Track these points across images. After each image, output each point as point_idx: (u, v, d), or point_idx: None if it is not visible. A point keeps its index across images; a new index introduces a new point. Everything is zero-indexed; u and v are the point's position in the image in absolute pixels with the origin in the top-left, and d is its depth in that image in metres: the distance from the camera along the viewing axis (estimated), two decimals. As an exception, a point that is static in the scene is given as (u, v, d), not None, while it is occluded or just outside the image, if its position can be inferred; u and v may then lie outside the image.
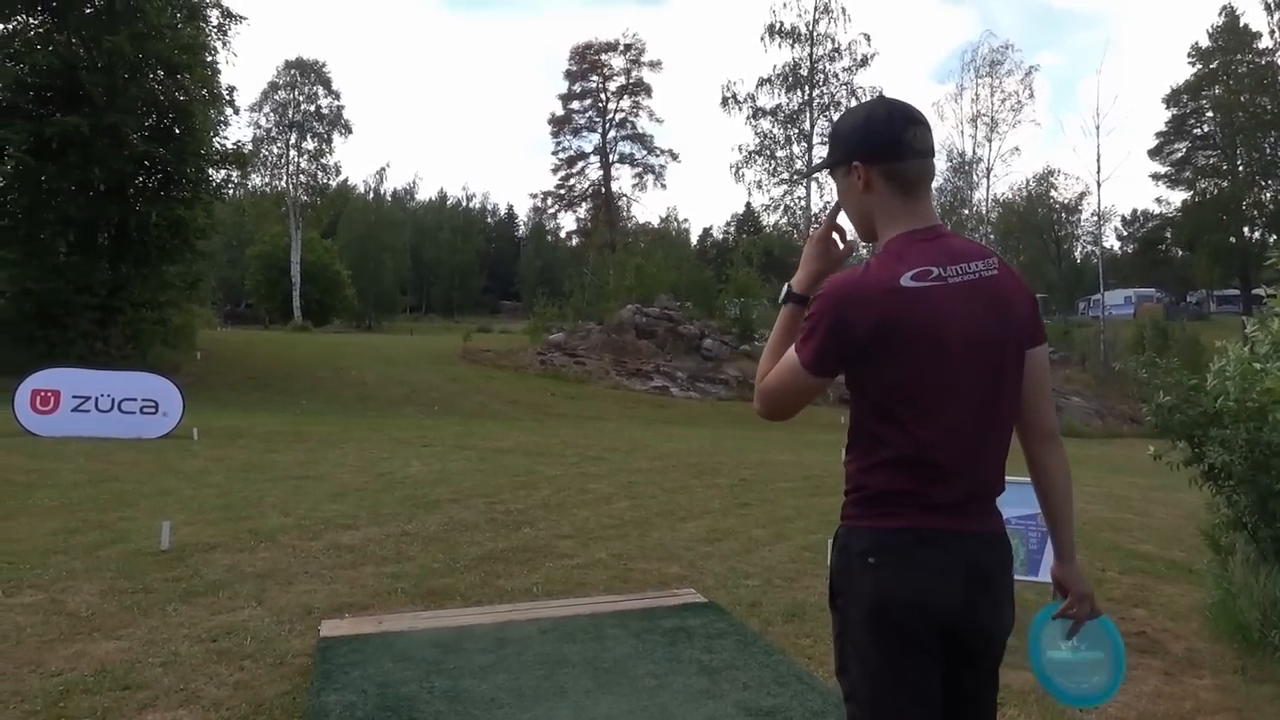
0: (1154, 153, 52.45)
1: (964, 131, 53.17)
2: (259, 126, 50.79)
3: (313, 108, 52.67)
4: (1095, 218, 51.57)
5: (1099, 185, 44.37)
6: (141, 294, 21.42)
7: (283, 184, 51.71)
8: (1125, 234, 67.50)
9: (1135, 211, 65.95)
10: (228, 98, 24.05)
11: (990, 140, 44.87)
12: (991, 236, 52.76)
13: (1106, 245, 59.06)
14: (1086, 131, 59.68)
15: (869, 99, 1.93)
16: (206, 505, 7.42)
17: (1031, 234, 58.87)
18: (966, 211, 48.68)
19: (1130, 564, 6.72)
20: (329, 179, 54.21)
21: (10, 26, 20.97)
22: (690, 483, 9.76)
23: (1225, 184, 45.83)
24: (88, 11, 20.82)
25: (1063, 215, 59.84)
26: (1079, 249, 65.53)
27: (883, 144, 1.77)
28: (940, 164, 48.56)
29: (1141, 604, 5.56)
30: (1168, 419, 5.16)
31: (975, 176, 46.61)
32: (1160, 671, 4.26)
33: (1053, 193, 57.75)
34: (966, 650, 1.76)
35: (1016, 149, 54.96)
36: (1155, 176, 52.65)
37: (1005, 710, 3.66)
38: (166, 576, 5.27)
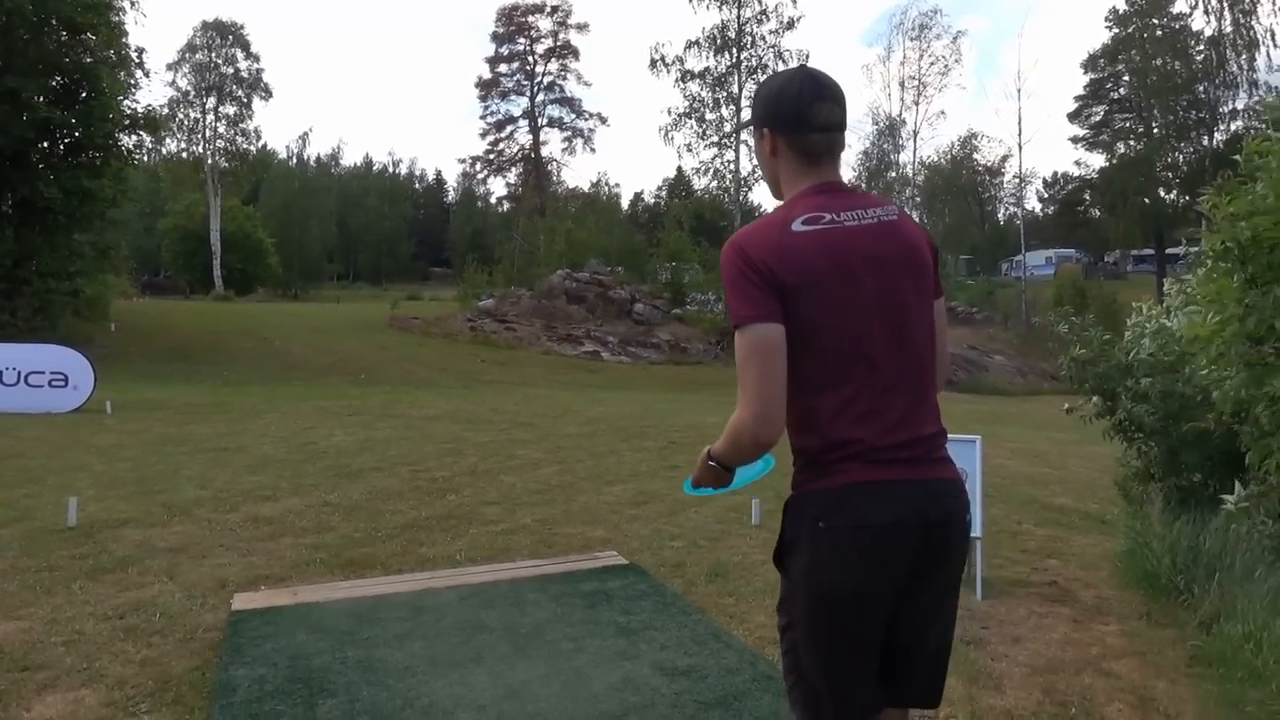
0: (1073, 116, 53.52)
1: (891, 94, 53.78)
2: (175, 88, 48.95)
3: (231, 71, 50.88)
4: (1017, 180, 52.73)
5: (1020, 148, 45.49)
6: (50, 264, 20.57)
7: (200, 149, 49.97)
8: (1046, 196, 69.06)
9: (1056, 174, 67.47)
10: (136, 60, 23.06)
11: (917, 103, 45.51)
12: (917, 199, 53.58)
13: (1028, 207, 60.52)
14: (1008, 95, 60.84)
15: (793, 67, 1.95)
16: (118, 480, 7.19)
17: (956, 196, 59.90)
18: (893, 174, 49.34)
19: (1045, 516, 6.91)
20: (249, 144, 52.55)
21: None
22: (618, 446, 9.76)
23: (1140, 146, 47.07)
24: (-18, -33, 19.74)
25: (986, 178, 60.98)
26: (1002, 211, 66.94)
27: (790, 116, 1.82)
28: (866, 127, 49.08)
29: (1055, 555, 5.72)
30: (1082, 373, 5.29)
31: (901, 139, 47.26)
32: (1069, 619, 4.39)
33: (976, 155, 58.80)
34: (917, 600, 1.78)
35: (942, 113, 55.84)
36: (1074, 140, 53.83)
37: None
38: (73, 554, 5.09)
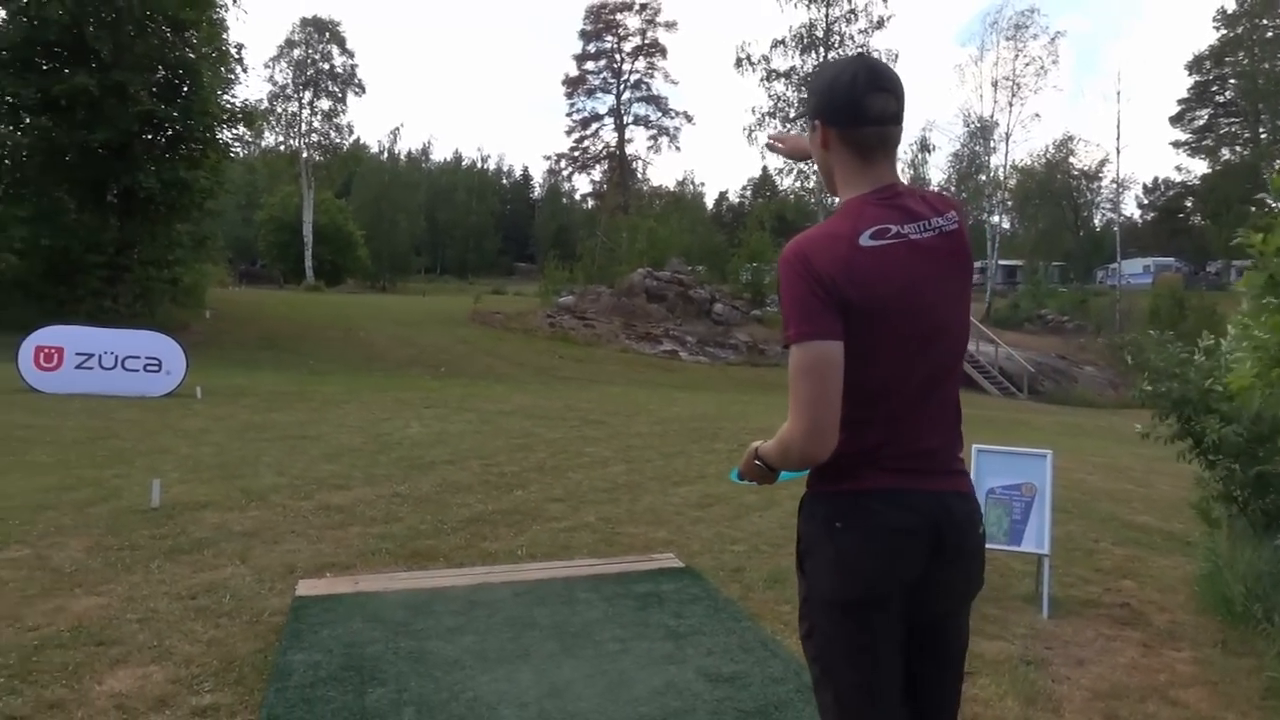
0: (1175, 120, 51.60)
1: (983, 95, 52.41)
2: (274, 83, 50.59)
3: (327, 66, 52.37)
4: (1114, 185, 50.95)
5: (1118, 152, 43.91)
6: (150, 252, 21.48)
7: (296, 143, 51.54)
8: (1145, 202, 66.67)
9: (1156, 179, 65.08)
10: (235, 55, 23.87)
11: (1011, 105, 44.20)
12: (1008, 202, 52.18)
13: (1126, 213, 58.45)
14: (1107, 97, 58.72)
15: (849, 56, 1.90)
16: (202, 464, 7.46)
17: (1049, 201, 58.15)
18: (984, 177, 48.14)
19: (1125, 535, 6.69)
20: (342, 139, 54.02)
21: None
22: (689, 447, 9.75)
23: (1247, 152, 45.02)
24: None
25: (1082, 182, 59.03)
26: (1098, 217, 64.72)
27: (842, 108, 1.76)
28: (958, 128, 47.92)
29: (1131, 575, 5.53)
30: (1156, 396, 5.11)
31: (993, 141, 46.01)
32: (1139, 643, 4.25)
33: (1072, 159, 56.98)
34: (931, 610, 1.78)
35: (1037, 115, 54.06)
36: (1176, 144, 51.88)
37: (977, 679, 3.65)
38: (154, 534, 5.30)
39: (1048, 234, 57.65)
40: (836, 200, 1.84)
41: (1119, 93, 44.92)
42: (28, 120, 20.51)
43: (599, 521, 6.15)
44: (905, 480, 1.72)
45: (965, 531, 1.79)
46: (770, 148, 2.36)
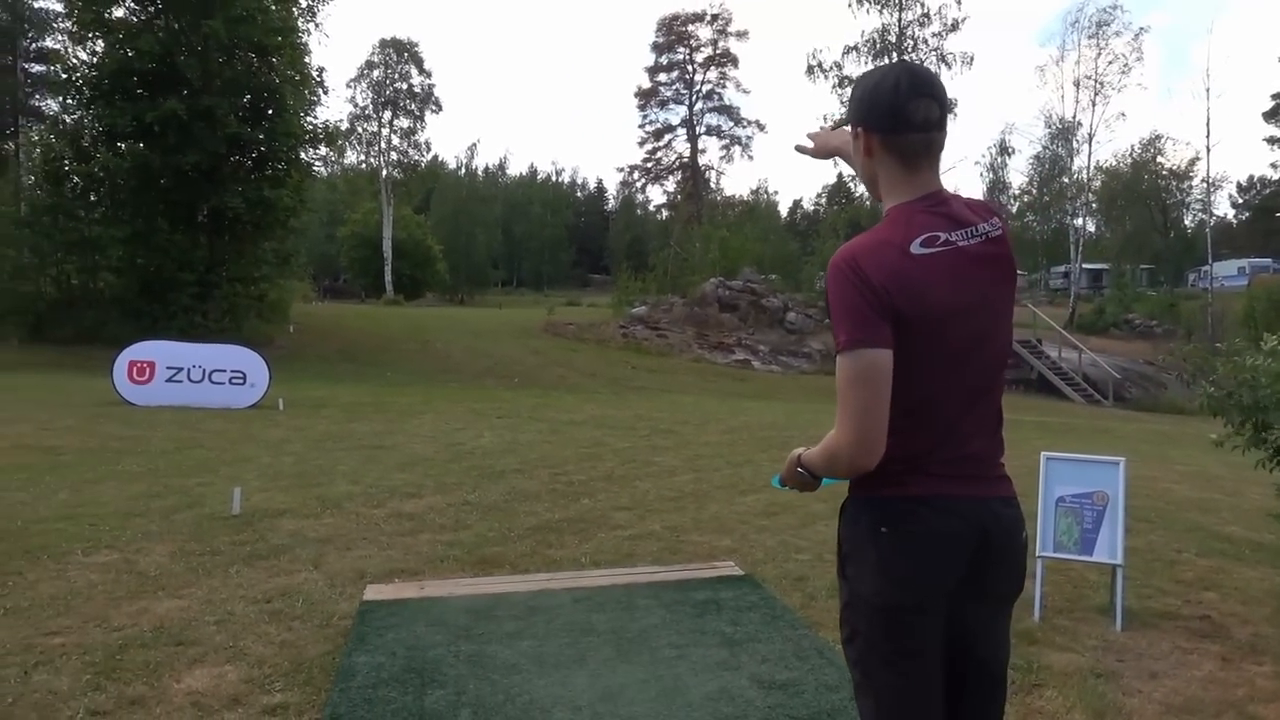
0: (1270, 116, 49.58)
1: (1065, 95, 51.08)
2: (354, 103, 52.03)
3: (405, 86, 53.63)
4: (1205, 185, 49.08)
5: (1208, 150, 42.21)
6: (237, 269, 22.33)
7: (376, 161, 52.90)
8: (1239, 201, 64.14)
9: (1251, 178, 62.56)
10: (317, 78, 24.66)
11: (1094, 104, 42.97)
12: (1093, 204, 50.72)
13: (1218, 213, 56.32)
14: (1196, 95, 56.67)
15: (889, 64, 1.89)
16: (282, 473, 7.71)
17: (1136, 202, 56.32)
18: (1066, 180, 46.91)
19: (1210, 546, 6.44)
20: (421, 156, 55.27)
21: (118, 14, 21.92)
22: (757, 456, 9.71)
23: (1349, 147, 43.04)
24: (185, -3, 21.62)
25: (1170, 182, 57.00)
26: (1188, 217, 62.41)
27: (885, 115, 1.75)
28: (1039, 130, 46.77)
29: (1214, 587, 5.33)
30: (1225, 403, 4.93)
31: (1076, 142, 44.82)
32: (1217, 656, 4.09)
33: (1159, 159, 55.09)
34: (973, 616, 1.76)
35: (1122, 114, 52.36)
36: (1271, 140, 49.78)
37: (1044, 691, 3.58)
38: (234, 540, 5.50)
39: (1135, 236, 55.89)
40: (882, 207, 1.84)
41: (1208, 89, 43.02)
42: (123, 146, 21.55)
43: (664, 530, 6.17)
44: (952, 486, 1.72)
45: (1010, 537, 1.79)
46: (799, 149, 2.32)
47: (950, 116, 1.83)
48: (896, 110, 1.72)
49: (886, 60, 35.66)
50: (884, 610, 1.72)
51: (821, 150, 2.26)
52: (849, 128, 1.91)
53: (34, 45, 35.24)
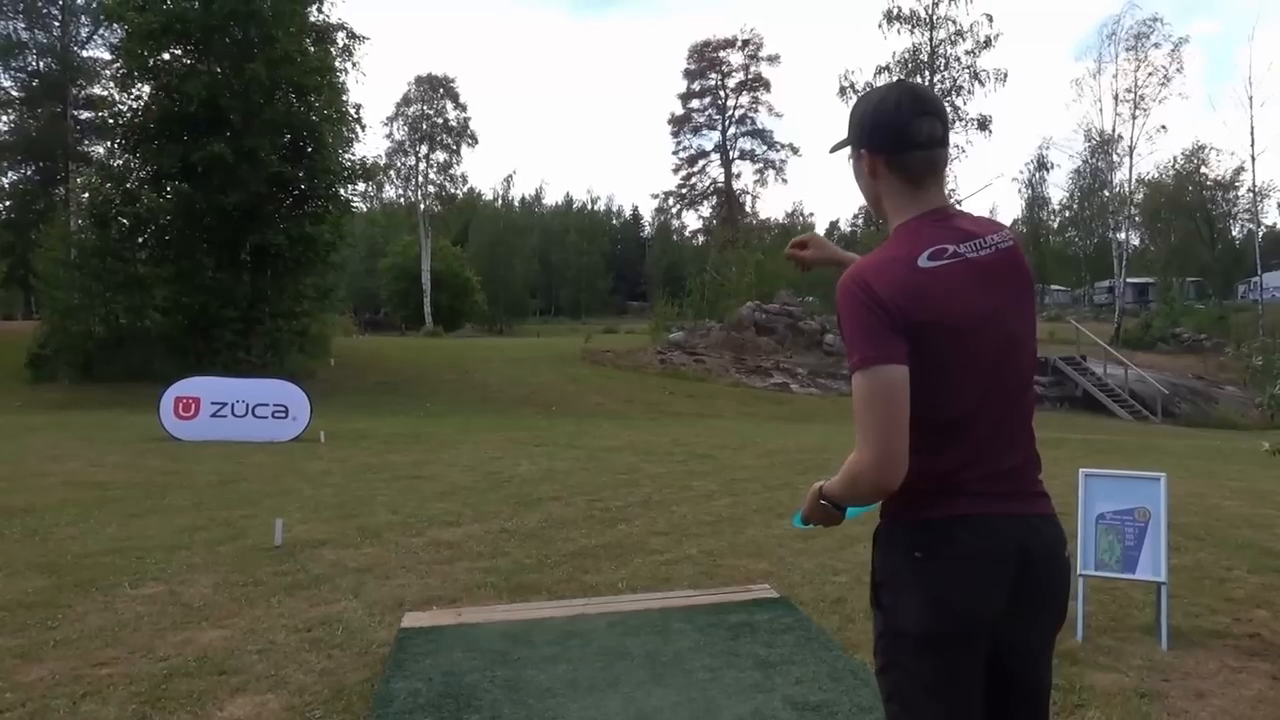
0: (1317, 121, 48.67)
1: (1103, 109, 50.57)
2: (392, 139, 52.94)
3: (441, 121, 54.50)
4: (1252, 194, 48.22)
5: (1253, 159, 41.49)
6: (279, 305, 22.73)
7: (414, 195, 53.71)
8: (1289, 210, 62.78)
9: (1301, 186, 61.25)
10: (355, 115, 25.14)
11: (1134, 117, 42.49)
12: (1136, 218, 50.02)
13: (1267, 223, 55.22)
14: (1239, 103, 55.86)
15: (887, 84, 1.89)
16: (323, 504, 7.82)
17: (1181, 215, 55.44)
18: (1107, 194, 46.35)
19: (1263, 563, 6.28)
20: (457, 189, 56.06)
21: (164, 60, 22.57)
22: (794, 479, 9.66)
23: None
24: (227, 41, 22.22)
25: (1216, 193, 56.07)
26: (1236, 228, 61.22)
27: (888, 135, 1.75)
28: (1078, 144, 46.28)
29: (1265, 605, 5.20)
30: None
31: (1116, 156, 44.30)
32: (1268, 675, 3.99)
33: (1204, 169, 54.24)
34: (1015, 643, 1.72)
35: (1163, 127, 51.68)
36: (1320, 147, 48.88)
37: (1087, 712, 3.53)
38: (275, 570, 5.59)
39: (1180, 249, 54.97)
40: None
41: (1250, 97, 42.46)
42: (169, 188, 22.11)
43: (700, 554, 6.16)
44: (988, 505, 1.68)
45: (1053, 556, 1.73)
46: (790, 257, 2.23)
47: (984, 134, 1.83)
48: (900, 129, 1.72)
49: (921, 80, 35.67)
50: (924, 640, 1.65)
51: (817, 260, 2.24)
52: (848, 152, 1.91)
53: (82, 93, 36.36)
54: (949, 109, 33.91)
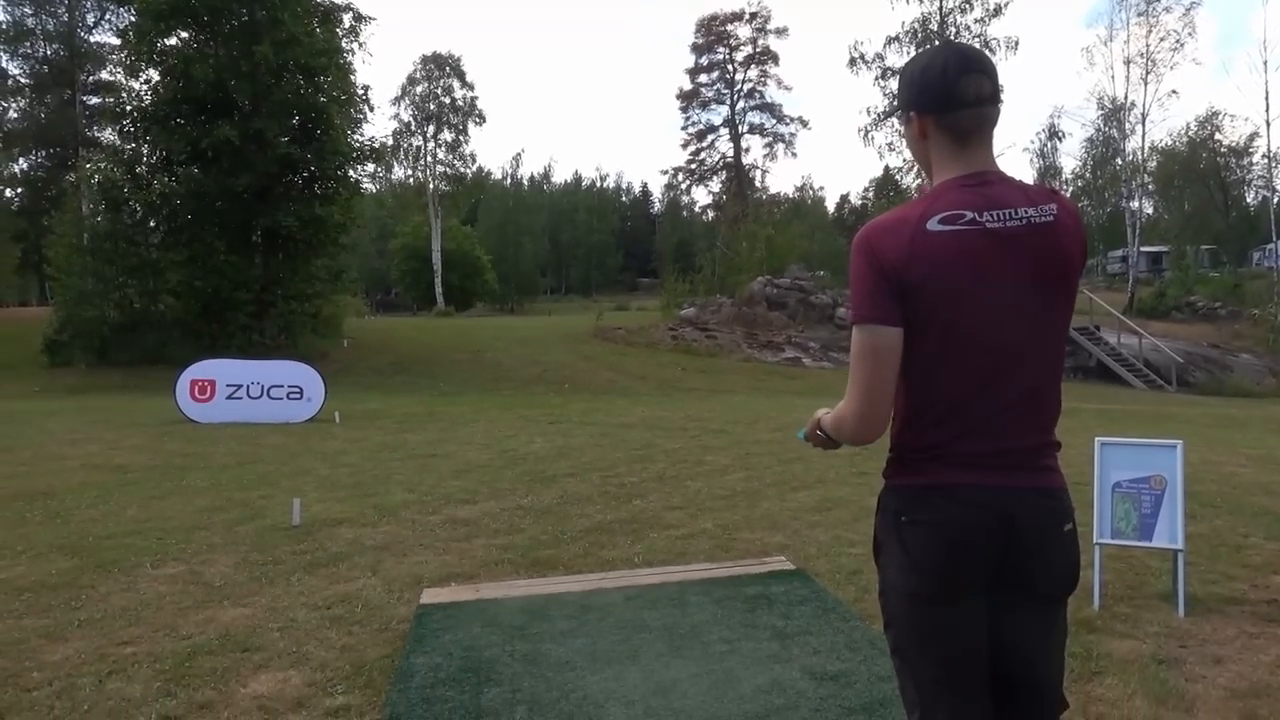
0: (1334, 84, 47.95)
1: (1115, 76, 49.93)
2: (399, 120, 52.71)
3: (448, 100, 54.22)
4: (1266, 160, 47.61)
5: (1268, 125, 40.97)
6: (291, 287, 22.80)
7: (422, 175, 53.55)
8: (1304, 175, 61.99)
9: (1317, 150, 60.39)
10: (362, 96, 25.07)
11: (1146, 83, 41.90)
12: (1150, 186, 49.50)
13: (1280, 189, 54.50)
14: (1253, 68, 55.03)
15: (934, 46, 1.88)
16: (339, 483, 7.87)
17: (1195, 181, 54.83)
18: (1120, 161, 45.85)
19: (1278, 530, 6.28)
20: (466, 168, 55.83)
21: (171, 43, 22.55)
22: (808, 453, 9.64)
23: None
24: (234, 24, 22.17)
25: (1230, 160, 55.40)
26: (1251, 195, 60.50)
27: (936, 95, 1.74)
28: (1090, 113, 45.74)
29: (1282, 571, 5.20)
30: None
31: (1129, 123, 43.76)
32: (1286, 641, 4.00)
33: (1218, 136, 53.58)
34: (1014, 611, 1.72)
35: (1174, 92, 51.01)
36: (1336, 111, 48.06)
37: (1104, 679, 3.53)
38: (294, 549, 5.64)
39: (1194, 216, 54.40)
40: None
41: (1265, 61, 41.77)
42: (179, 172, 22.14)
43: (716, 528, 6.18)
44: (976, 475, 1.69)
45: (1046, 529, 1.72)
46: (808, 438, 2.00)
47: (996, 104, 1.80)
48: (948, 89, 1.72)
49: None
50: (909, 598, 1.72)
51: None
52: (898, 119, 1.91)
53: (91, 79, 36.39)
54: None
